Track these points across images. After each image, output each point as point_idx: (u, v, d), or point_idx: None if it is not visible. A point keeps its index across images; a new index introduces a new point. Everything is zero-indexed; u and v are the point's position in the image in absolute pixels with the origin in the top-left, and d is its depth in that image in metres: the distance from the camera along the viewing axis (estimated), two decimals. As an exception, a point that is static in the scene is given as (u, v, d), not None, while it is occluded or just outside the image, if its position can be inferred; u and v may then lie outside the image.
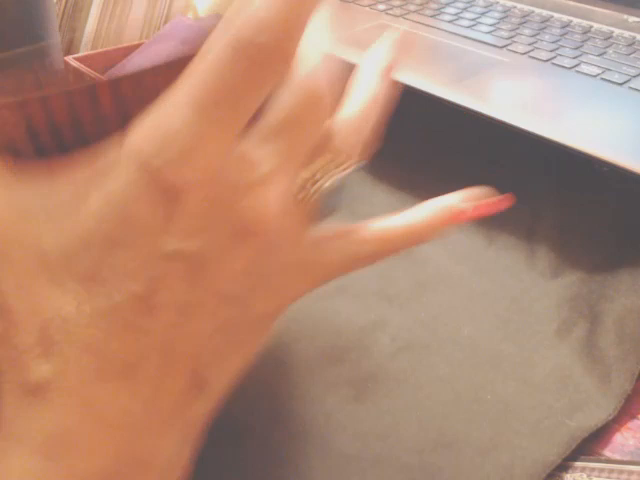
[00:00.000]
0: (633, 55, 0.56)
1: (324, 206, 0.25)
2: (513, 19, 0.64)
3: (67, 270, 0.21)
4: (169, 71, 0.21)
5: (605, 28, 0.61)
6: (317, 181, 0.25)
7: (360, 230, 0.27)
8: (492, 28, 0.62)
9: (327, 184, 0.25)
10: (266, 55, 0.20)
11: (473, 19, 0.64)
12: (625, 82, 0.52)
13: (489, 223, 0.51)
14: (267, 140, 0.22)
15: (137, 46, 0.70)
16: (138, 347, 0.21)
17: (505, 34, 0.61)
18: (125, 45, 0.71)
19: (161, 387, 0.22)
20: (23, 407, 0.21)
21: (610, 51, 0.57)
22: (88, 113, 0.21)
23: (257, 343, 0.26)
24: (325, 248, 0.26)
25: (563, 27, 0.62)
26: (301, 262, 0.25)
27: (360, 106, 0.27)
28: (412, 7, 0.67)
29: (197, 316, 0.22)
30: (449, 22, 0.63)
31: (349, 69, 0.28)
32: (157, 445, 0.23)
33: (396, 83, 0.29)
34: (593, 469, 0.34)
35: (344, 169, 0.25)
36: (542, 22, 0.63)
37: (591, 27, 0.62)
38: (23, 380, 0.21)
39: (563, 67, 0.55)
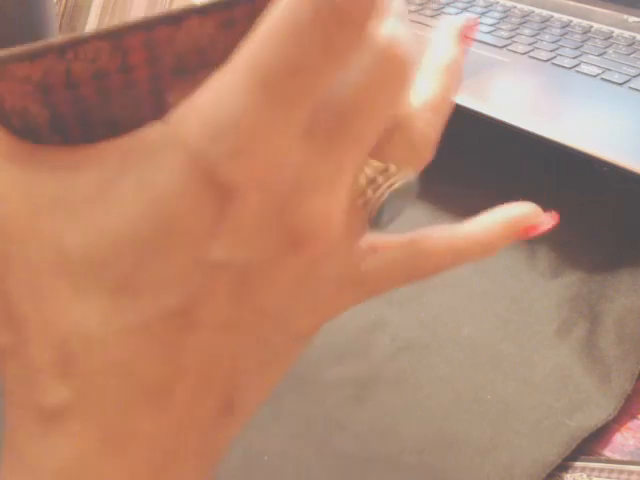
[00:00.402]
0: (633, 55, 0.56)
1: (383, 215, 0.21)
2: (513, 19, 0.64)
3: (93, 277, 0.17)
4: (221, 15, 0.17)
5: (605, 28, 0.61)
6: (379, 186, 0.21)
7: (424, 240, 0.24)
8: (492, 28, 0.62)
9: (390, 190, 0.21)
10: (353, 17, 0.16)
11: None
12: (625, 82, 0.52)
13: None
14: (332, 129, 0.18)
15: (137, 46, 0.70)
16: (171, 369, 0.18)
17: (505, 34, 0.61)
18: (125, 45, 0.71)
19: (192, 413, 0.19)
20: (36, 435, 0.19)
21: (610, 51, 0.57)
22: (113, 66, 0.17)
23: (290, 363, 0.23)
24: (383, 259, 0.23)
25: (563, 27, 0.62)
26: (356, 273, 0.23)
27: (434, 94, 0.23)
28: (412, 7, 0.67)
29: (237, 335, 0.19)
30: (449, 22, 0.63)
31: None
32: (182, 475, 0.20)
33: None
34: (593, 469, 0.34)
35: (409, 173, 0.21)
36: (542, 22, 0.63)
37: (591, 27, 0.62)
38: (37, 404, 0.18)
39: (563, 67, 0.55)
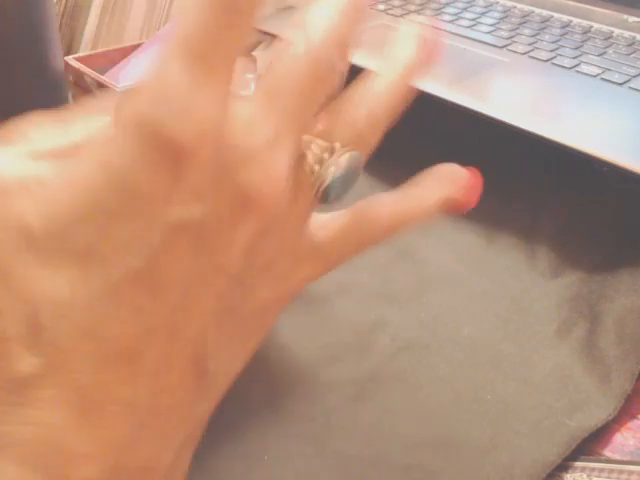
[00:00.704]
0: (633, 55, 0.56)
1: (331, 190, 0.23)
2: (513, 19, 0.64)
3: (58, 249, 0.18)
4: None
5: (605, 28, 0.61)
6: (326, 163, 0.22)
7: (368, 208, 0.25)
8: (492, 28, 0.62)
9: (336, 166, 0.22)
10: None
11: (473, 19, 0.64)
12: (625, 82, 0.52)
13: (489, 223, 0.51)
14: (271, 98, 0.20)
15: (137, 46, 0.70)
16: (141, 330, 0.19)
17: (505, 34, 0.60)
18: (125, 45, 0.71)
19: (166, 376, 0.20)
20: (9, 408, 0.19)
21: (610, 51, 0.57)
22: None
23: (260, 335, 0.24)
24: (334, 230, 0.24)
25: (563, 27, 0.62)
26: (310, 245, 0.24)
27: (391, 81, 0.24)
28: (412, 7, 0.67)
29: (201, 295, 0.20)
30: (449, 22, 0.63)
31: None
32: (160, 448, 0.21)
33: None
34: (593, 469, 0.34)
35: (354, 152, 0.23)
36: (542, 22, 0.63)
37: (591, 27, 0.62)
38: (9, 376, 0.19)
39: (563, 67, 0.55)
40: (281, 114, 0.20)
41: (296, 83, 0.20)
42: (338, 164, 0.22)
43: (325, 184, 0.22)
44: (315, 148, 0.22)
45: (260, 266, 0.22)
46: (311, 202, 0.23)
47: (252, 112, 0.20)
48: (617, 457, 0.35)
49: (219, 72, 0.19)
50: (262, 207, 0.20)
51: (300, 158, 0.22)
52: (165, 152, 0.18)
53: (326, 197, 0.22)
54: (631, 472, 0.34)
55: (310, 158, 0.22)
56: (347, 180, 0.23)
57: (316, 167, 0.22)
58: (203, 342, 0.21)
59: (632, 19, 0.63)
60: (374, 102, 0.24)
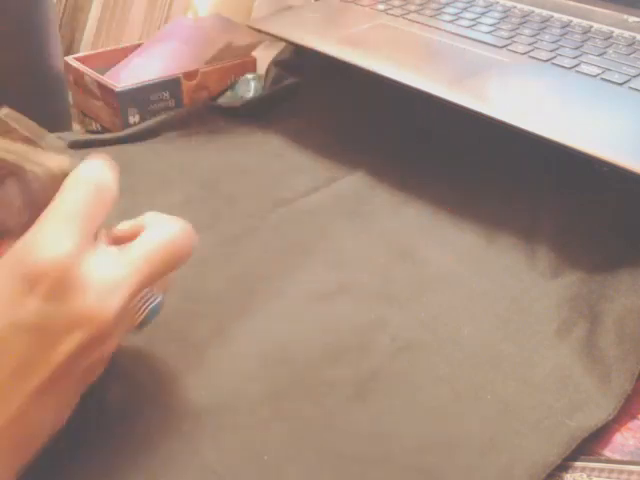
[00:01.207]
0: (633, 55, 0.56)
1: (146, 323, 0.34)
2: (513, 19, 0.64)
3: None
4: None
5: (605, 28, 0.61)
6: (148, 305, 0.33)
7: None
8: (492, 28, 0.62)
9: (153, 311, 0.33)
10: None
11: (473, 19, 0.64)
12: (625, 82, 0.52)
13: (489, 223, 0.51)
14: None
15: (137, 46, 0.70)
16: None
17: (505, 34, 0.60)
18: (125, 45, 0.71)
19: None
20: None
21: (610, 51, 0.57)
22: None
23: (81, 389, 0.33)
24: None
25: (563, 27, 0.62)
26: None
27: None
28: (412, 7, 0.67)
29: (28, 374, 0.29)
30: (449, 22, 0.63)
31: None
32: None
33: None
34: (593, 469, 0.34)
35: (161, 298, 0.34)
36: (542, 22, 0.63)
37: (591, 27, 0.62)
38: None
39: (563, 67, 0.55)
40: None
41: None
42: (152, 306, 0.33)
43: (142, 318, 0.33)
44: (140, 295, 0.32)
45: (84, 363, 0.30)
46: (130, 326, 0.33)
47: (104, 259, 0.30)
48: (617, 457, 0.35)
49: (82, 233, 0.29)
50: (92, 324, 0.29)
51: (133, 295, 0.31)
52: (25, 275, 0.28)
53: (141, 325, 0.34)
54: (631, 472, 0.34)
55: (137, 299, 0.32)
56: (155, 315, 0.34)
57: (139, 305, 0.33)
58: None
59: (632, 19, 0.63)
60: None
